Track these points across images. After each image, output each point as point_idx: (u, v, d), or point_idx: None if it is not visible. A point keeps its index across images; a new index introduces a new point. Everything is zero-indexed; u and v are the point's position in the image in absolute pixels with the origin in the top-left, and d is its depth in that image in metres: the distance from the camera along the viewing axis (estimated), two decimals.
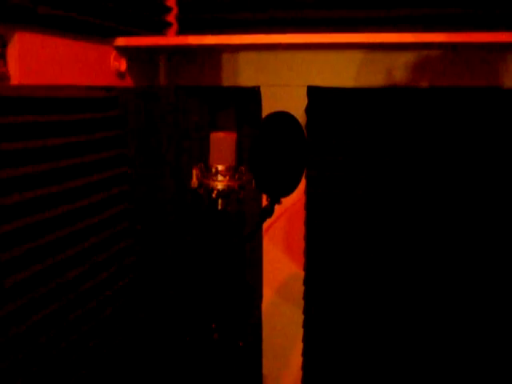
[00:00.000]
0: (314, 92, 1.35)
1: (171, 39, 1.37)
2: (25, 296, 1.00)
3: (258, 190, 1.04)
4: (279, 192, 1.03)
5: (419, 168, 1.35)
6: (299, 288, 1.49)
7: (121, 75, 1.26)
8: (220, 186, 1.11)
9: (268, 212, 1.04)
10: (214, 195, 1.12)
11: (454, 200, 1.35)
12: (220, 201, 1.13)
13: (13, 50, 0.92)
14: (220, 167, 1.11)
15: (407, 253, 1.39)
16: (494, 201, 1.32)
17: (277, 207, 1.07)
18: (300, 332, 1.51)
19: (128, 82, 1.30)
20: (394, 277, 1.41)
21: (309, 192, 1.41)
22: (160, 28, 1.40)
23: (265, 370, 1.57)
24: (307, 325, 1.50)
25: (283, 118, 1.01)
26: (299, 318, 1.51)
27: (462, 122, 1.31)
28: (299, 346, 1.52)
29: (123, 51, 1.25)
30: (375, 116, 1.36)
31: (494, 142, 1.30)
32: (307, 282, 1.47)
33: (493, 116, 1.30)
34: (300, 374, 1.54)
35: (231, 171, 1.11)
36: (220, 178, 1.11)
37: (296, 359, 1.55)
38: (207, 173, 1.13)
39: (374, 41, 1.18)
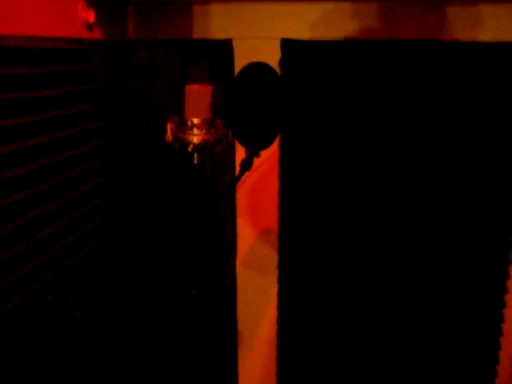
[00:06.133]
0: (287, 44, 1.33)
1: None
2: None
3: (237, 142, 1.02)
4: (258, 145, 1.02)
5: (396, 125, 1.35)
6: (273, 244, 1.50)
7: (89, 27, 1.22)
8: (196, 139, 1.09)
9: (247, 165, 1.03)
10: (189, 149, 1.11)
11: (430, 169, 1.37)
12: (196, 155, 1.12)
13: None
14: (196, 120, 1.09)
15: (384, 218, 1.41)
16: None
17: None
18: (275, 287, 1.53)
19: (96, 35, 1.25)
20: (369, 237, 1.43)
21: (283, 147, 1.41)
22: None
23: (240, 326, 1.59)
24: (282, 280, 1.52)
25: (261, 69, 1.00)
26: (274, 274, 1.52)
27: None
28: (274, 300, 1.55)
29: (91, 2, 1.20)
30: (351, 69, 1.34)
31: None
32: (281, 237, 1.48)
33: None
34: (275, 328, 1.57)
35: (207, 124, 1.10)
36: (196, 131, 1.09)
37: (271, 314, 1.57)
38: (182, 126, 1.10)
39: None
